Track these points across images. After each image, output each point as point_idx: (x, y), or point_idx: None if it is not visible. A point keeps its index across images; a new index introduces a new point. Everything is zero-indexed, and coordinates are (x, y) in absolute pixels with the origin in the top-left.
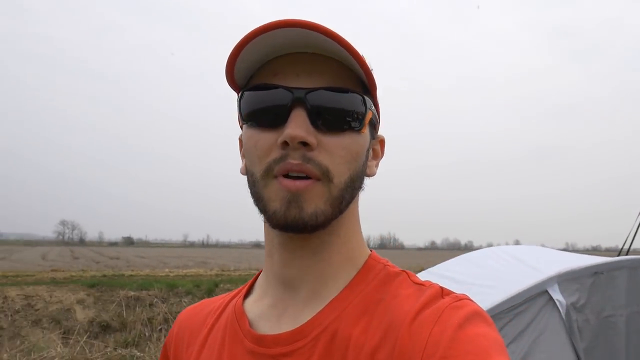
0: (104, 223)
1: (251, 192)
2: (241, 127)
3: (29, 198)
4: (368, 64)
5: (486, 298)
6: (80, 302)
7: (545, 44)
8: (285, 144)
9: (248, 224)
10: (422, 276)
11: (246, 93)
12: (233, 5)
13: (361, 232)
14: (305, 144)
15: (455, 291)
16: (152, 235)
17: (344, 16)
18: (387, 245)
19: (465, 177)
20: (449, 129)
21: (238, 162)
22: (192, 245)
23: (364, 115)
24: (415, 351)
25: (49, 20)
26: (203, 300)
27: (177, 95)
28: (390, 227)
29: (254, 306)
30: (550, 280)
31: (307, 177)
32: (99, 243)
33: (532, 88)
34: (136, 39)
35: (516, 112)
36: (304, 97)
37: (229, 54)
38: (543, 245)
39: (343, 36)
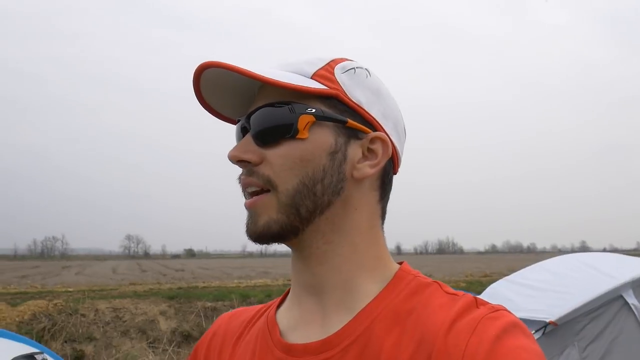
0: (165, 235)
1: None
2: None
3: (95, 214)
4: (272, 78)
5: (564, 303)
6: (162, 313)
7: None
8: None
9: None
10: (501, 285)
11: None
12: (292, 21)
13: (380, 243)
14: (248, 161)
15: (534, 296)
16: (212, 246)
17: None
18: (445, 250)
19: (523, 176)
20: (506, 129)
21: None
22: (250, 255)
23: (294, 122)
24: None
25: (110, 45)
26: (240, 308)
27: None
28: (448, 231)
29: (285, 316)
30: (624, 286)
31: (263, 191)
32: (163, 256)
33: (590, 83)
34: (192, 54)
35: (577, 108)
36: (245, 121)
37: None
38: (612, 245)
39: (242, 66)
